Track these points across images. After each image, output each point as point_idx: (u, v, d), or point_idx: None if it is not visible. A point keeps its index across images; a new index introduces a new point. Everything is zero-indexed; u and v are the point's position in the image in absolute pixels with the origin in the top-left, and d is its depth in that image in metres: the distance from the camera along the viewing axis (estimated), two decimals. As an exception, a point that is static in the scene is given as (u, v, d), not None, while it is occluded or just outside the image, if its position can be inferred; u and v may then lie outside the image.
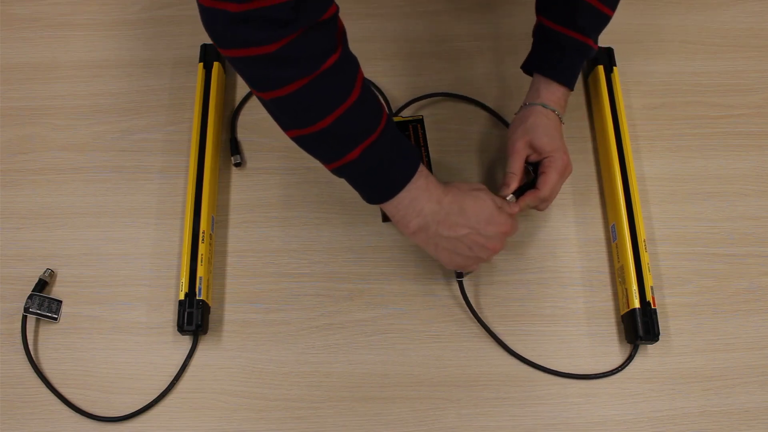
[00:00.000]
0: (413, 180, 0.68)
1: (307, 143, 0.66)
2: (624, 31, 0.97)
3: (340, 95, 0.62)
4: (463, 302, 0.80)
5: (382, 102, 0.78)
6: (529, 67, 0.81)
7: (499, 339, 0.79)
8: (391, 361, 0.78)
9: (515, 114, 0.80)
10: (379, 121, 0.66)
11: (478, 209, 0.71)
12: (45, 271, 0.81)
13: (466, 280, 0.81)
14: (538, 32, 0.80)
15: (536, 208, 0.78)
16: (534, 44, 0.81)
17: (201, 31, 0.96)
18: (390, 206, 0.69)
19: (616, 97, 0.88)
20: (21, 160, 0.89)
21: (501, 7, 0.98)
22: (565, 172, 0.77)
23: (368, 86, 0.66)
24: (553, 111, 0.78)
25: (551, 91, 0.78)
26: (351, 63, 0.64)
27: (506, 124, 0.90)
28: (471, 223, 0.70)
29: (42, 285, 0.81)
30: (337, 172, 0.68)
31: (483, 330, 0.79)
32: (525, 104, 0.80)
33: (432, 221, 0.69)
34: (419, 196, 0.68)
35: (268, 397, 0.77)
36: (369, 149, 0.65)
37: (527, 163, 0.78)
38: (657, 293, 0.81)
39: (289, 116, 0.64)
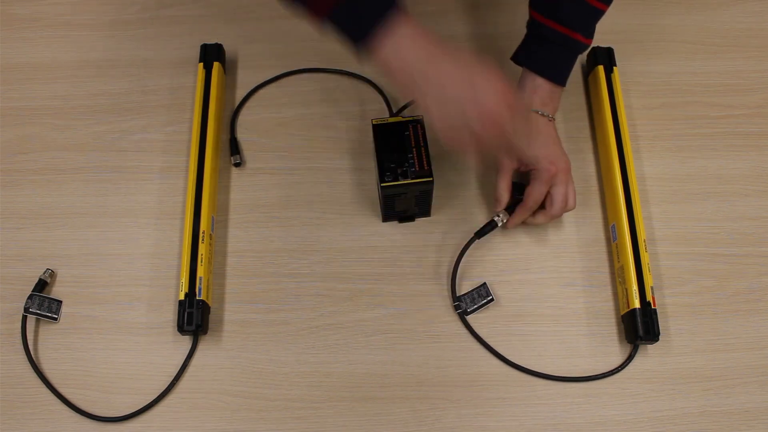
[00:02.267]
0: (396, 20, 0.62)
1: None
2: (624, 31, 0.97)
3: None
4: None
5: None
6: (516, 59, 0.80)
7: (501, 354, 0.79)
8: (391, 361, 0.78)
9: None
10: None
11: (482, 72, 0.63)
12: (45, 271, 0.81)
13: (466, 283, 0.81)
14: (529, 25, 0.80)
15: (533, 221, 0.79)
16: (524, 37, 0.80)
17: (201, 31, 0.97)
18: (379, 45, 0.62)
19: (616, 97, 0.88)
20: (21, 160, 0.89)
21: (501, 7, 0.98)
22: (552, 179, 0.76)
23: None
24: (538, 112, 0.77)
25: (535, 87, 0.77)
26: None
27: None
28: (467, 78, 0.62)
29: (42, 285, 0.81)
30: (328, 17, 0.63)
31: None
32: None
33: (422, 57, 0.62)
34: (408, 34, 0.62)
35: (268, 397, 0.77)
36: None
37: (517, 180, 0.77)
38: (657, 293, 0.81)
39: None
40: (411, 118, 0.78)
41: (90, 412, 0.76)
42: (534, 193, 0.76)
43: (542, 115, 0.77)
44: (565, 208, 0.79)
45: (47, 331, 0.80)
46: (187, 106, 0.91)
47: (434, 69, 0.62)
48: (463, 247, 0.81)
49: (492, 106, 0.62)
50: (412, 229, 0.85)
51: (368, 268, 0.83)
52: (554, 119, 0.78)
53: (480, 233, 0.81)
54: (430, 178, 0.76)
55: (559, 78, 0.77)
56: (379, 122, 0.79)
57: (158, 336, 0.79)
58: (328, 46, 0.95)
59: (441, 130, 0.65)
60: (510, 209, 0.82)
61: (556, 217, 0.80)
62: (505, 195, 0.79)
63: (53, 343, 0.79)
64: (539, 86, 0.77)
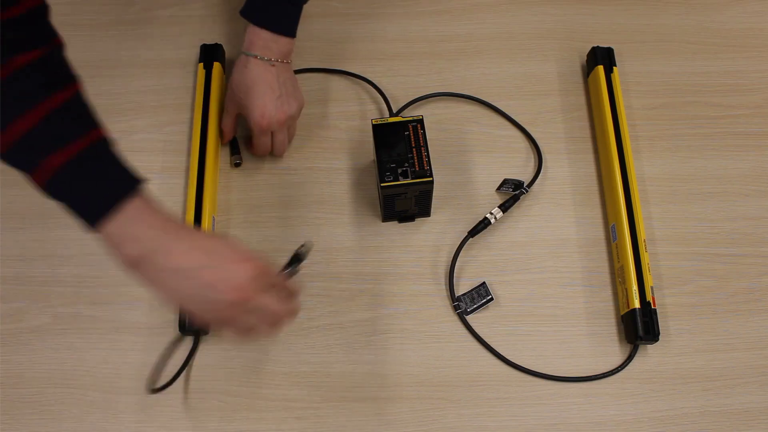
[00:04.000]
0: (129, 200, 0.56)
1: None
2: (624, 31, 0.97)
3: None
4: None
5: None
6: (242, 13, 0.82)
7: (501, 354, 0.79)
8: (391, 361, 0.78)
9: None
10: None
11: (220, 241, 0.59)
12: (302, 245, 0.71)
13: (465, 283, 0.81)
14: None
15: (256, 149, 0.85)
16: None
17: (201, 31, 0.97)
18: (106, 231, 0.56)
19: (616, 97, 0.88)
20: (21, 160, 0.89)
21: (501, 7, 0.98)
22: (268, 130, 0.82)
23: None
24: (256, 57, 0.79)
25: (250, 33, 0.80)
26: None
27: (510, 121, 0.90)
28: (205, 252, 0.57)
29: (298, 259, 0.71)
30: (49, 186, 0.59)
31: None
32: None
33: (151, 248, 0.55)
34: (137, 216, 0.56)
35: (268, 397, 0.77)
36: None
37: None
38: (657, 293, 0.81)
39: None
40: (411, 118, 0.78)
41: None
42: (256, 145, 0.85)
43: (262, 60, 0.80)
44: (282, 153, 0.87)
45: (47, 331, 0.80)
46: (187, 106, 0.91)
47: (167, 251, 0.56)
48: (458, 246, 0.81)
49: (235, 269, 0.58)
50: (412, 229, 0.85)
51: (368, 268, 0.83)
52: (282, 63, 0.81)
53: (473, 232, 0.82)
54: (430, 178, 0.76)
55: (260, 19, 0.79)
56: (379, 122, 0.79)
57: (159, 336, 0.79)
58: (328, 46, 0.96)
59: (195, 314, 0.59)
60: (504, 207, 0.82)
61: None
62: (227, 131, 0.87)
63: (53, 343, 0.79)
64: (252, 33, 0.80)
